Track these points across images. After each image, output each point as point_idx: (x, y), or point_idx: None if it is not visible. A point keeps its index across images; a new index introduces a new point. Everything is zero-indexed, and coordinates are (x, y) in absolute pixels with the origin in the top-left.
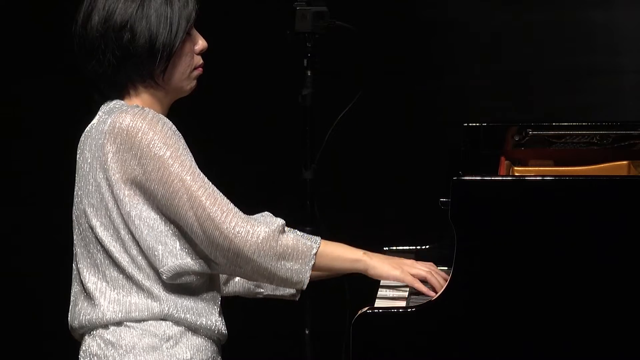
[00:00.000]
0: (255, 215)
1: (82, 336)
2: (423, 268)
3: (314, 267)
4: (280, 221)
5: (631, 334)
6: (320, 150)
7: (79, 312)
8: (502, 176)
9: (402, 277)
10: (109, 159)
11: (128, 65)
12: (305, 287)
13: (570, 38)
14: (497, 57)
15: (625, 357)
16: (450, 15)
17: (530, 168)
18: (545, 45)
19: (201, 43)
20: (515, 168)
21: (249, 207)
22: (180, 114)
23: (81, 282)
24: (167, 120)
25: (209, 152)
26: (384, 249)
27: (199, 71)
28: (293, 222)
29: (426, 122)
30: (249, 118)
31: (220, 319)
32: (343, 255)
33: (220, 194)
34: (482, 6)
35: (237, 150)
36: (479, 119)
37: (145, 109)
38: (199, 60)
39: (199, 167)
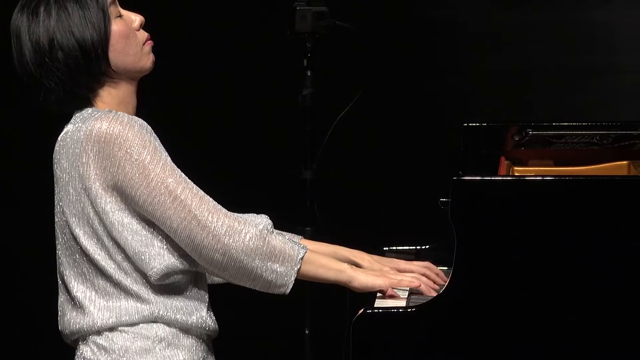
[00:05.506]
0: (241, 214)
1: (74, 342)
2: (407, 276)
3: (298, 273)
4: (267, 221)
5: (631, 334)
6: (320, 150)
7: (68, 321)
8: (502, 176)
9: (387, 283)
10: (87, 167)
11: (76, 78)
12: (288, 291)
13: (570, 38)
14: (497, 57)
15: (625, 358)
16: (450, 15)
17: (530, 168)
18: (546, 45)
19: (137, 19)
20: (515, 168)
21: (248, 207)
22: (181, 113)
23: (67, 291)
24: (142, 121)
25: (209, 152)
26: (384, 249)
27: (150, 44)
28: (293, 222)
29: (426, 122)
30: (248, 118)
31: (209, 314)
32: (328, 264)
33: (204, 193)
34: (482, 6)
35: (237, 150)
36: (479, 119)
37: (119, 113)
38: (143, 35)
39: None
